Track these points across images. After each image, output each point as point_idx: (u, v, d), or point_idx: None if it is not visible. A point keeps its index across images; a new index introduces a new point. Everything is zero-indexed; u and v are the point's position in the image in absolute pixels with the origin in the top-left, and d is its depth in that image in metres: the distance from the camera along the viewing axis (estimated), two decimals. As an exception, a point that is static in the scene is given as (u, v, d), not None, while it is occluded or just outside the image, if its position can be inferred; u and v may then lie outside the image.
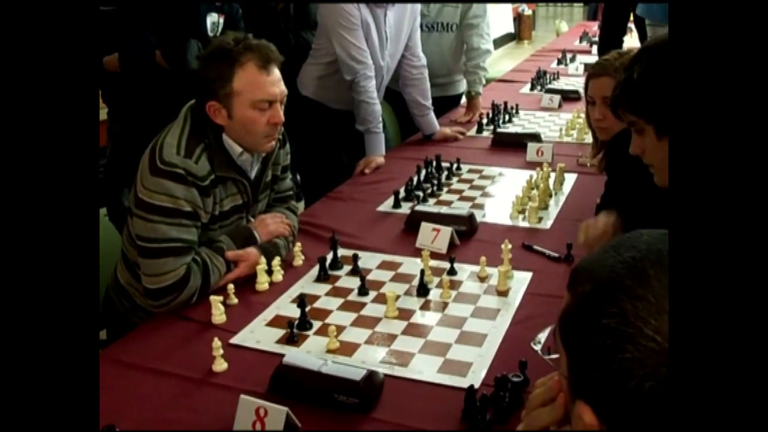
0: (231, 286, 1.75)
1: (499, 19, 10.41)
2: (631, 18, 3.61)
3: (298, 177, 3.69)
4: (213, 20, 2.87)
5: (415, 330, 1.62)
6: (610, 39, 3.32)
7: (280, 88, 1.80)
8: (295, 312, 1.65)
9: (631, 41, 4.40)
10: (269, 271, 1.85)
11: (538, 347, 0.91)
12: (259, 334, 1.61)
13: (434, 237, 2.04)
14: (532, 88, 4.20)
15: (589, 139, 2.85)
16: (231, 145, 1.81)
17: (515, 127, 3.38)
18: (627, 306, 0.67)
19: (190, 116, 1.80)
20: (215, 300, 1.67)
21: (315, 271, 1.89)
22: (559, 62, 4.99)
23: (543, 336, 0.94)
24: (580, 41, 6.12)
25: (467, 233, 2.12)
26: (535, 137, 3.02)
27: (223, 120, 1.77)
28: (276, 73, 1.80)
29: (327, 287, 1.83)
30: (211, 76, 1.75)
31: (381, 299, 1.74)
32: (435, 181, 2.56)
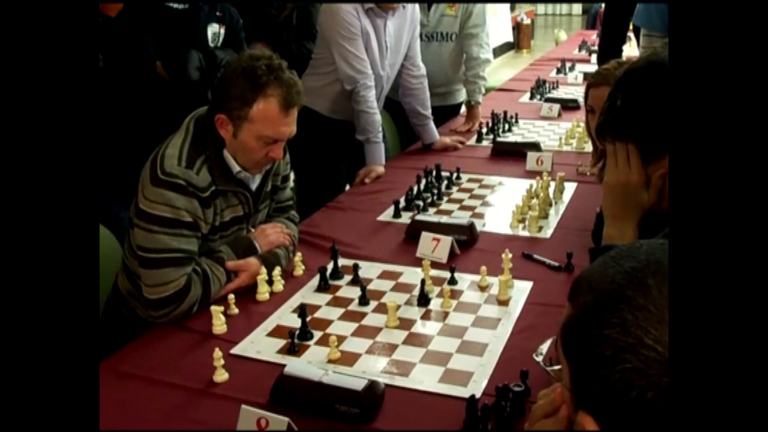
0: (231, 296, 1.75)
1: (498, 29, 10.44)
2: (630, 27, 3.63)
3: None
4: (214, 31, 2.88)
5: (415, 340, 1.62)
6: (609, 48, 3.32)
7: (291, 130, 1.80)
8: (295, 322, 1.65)
9: (630, 50, 4.41)
10: (270, 281, 1.85)
11: (539, 359, 0.91)
12: (259, 345, 1.61)
13: (434, 246, 2.04)
14: (532, 97, 4.21)
15: (588, 147, 2.86)
16: (230, 162, 1.81)
17: (515, 136, 3.39)
18: (627, 316, 0.67)
19: (192, 127, 1.80)
20: (216, 310, 1.67)
21: (315, 281, 1.89)
22: (559, 71, 5.00)
23: (544, 347, 0.94)
24: (579, 50, 6.13)
25: (467, 243, 2.12)
26: (535, 146, 3.02)
27: (226, 134, 1.77)
28: (294, 114, 1.79)
29: (327, 297, 1.83)
30: (231, 92, 1.73)
31: (382, 309, 1.74)
32: (435, 191, 2.56)
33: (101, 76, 2.62)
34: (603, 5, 3.89)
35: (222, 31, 2.91)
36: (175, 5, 2.81)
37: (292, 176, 2.34)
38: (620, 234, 1.32)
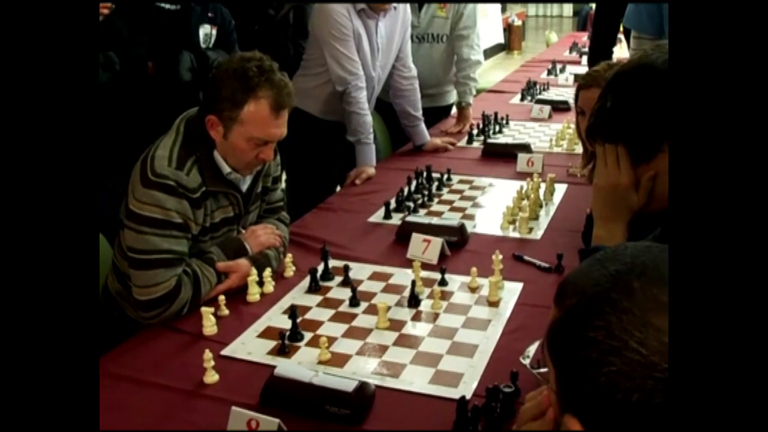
0: (222, 298, 1.75)
1: (489, 30, 10.46)
2: (621, 29, 3.64)
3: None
4: (205, 32, 2.87)
5: (406, 341, 1.62)
6: (599, 49, 3.33)
7: (281, 131, 1.80)
8: (286, 323, 1.65)
9: (621, 52, 4.43)
10: (260, 283, 1.85)
11: (526, 361, 0.92)
12: (250, 346, 1.61)
13: (425, 248, 2.04)
14: (522, 99, 4.22)
15: (579, 149, 2.87)
16: (220, 163, 1.81)
17: (505, 137, 3.40)
18: (612, 319, 0.67)
19: (183, 128, 1.80)
20: (206, 311, 1.67)
21: (306, 282, 1.89)
22: (549, 73, 5.02)
23: (532, 350, 0.95)
24: (570, 52, 6.15)
25: (458, 244, 2.12)
26: (526, 148, 3.03)
27: (217, 136, 1.77)
28: (284, 115, 1.79)
29: (318, 298, 1.83)
30: (222, 93, 1.73)
31: (372, 310, 1.74)
32: (425, 192, 2.57)
33: (119, 80, 2.61)
34: (594, 7, 3.89)
35: (214, 32, 2.90)
36: (167, 6, 2.79)
37: (283, 177, 2.35)
38: (609, 235, 1.33)
